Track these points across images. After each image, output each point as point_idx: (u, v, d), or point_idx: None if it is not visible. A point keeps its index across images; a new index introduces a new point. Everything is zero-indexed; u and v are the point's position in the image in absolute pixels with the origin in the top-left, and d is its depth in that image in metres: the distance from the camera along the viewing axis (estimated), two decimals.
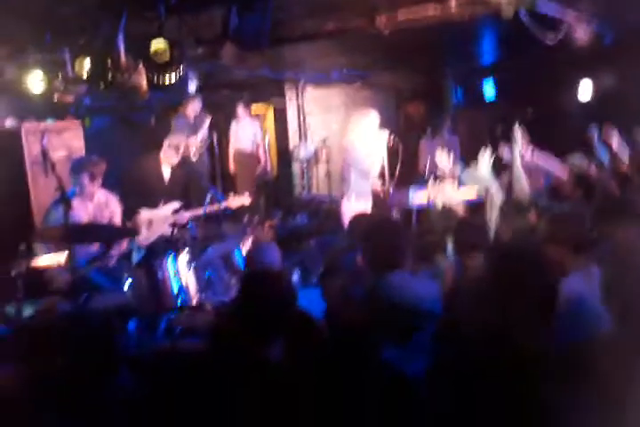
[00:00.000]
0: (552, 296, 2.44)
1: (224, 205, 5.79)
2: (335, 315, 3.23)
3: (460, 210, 5.86)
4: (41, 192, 6.10)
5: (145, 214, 5.67)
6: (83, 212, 5.08)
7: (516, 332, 2.30)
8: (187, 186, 6.27)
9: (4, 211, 6.05)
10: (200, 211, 5.69)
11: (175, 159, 6.12)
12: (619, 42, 6.63)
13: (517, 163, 4.92)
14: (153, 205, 5.77)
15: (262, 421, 2.26)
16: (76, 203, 4.80)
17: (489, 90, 9.91)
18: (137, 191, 5.80)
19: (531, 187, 6.02)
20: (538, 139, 6.66)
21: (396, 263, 3.10)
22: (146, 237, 5.48)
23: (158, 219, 5.62)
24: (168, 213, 5.74)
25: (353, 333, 2.65)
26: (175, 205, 5.82)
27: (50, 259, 4.47)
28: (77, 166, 5.13)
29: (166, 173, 6.16)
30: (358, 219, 4.55)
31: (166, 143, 6.16)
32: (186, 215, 5.75)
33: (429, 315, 2.56)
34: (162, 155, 6.12)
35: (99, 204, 5.22)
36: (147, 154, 6.32)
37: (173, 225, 5.49)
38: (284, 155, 10.35)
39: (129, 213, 5.57)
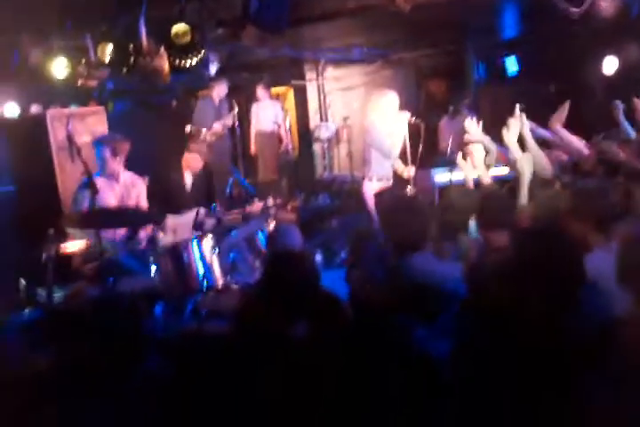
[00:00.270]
0: (577, 273, 2.44)
1: (246, 211, 5.74)
2: (359, 297, 3.25)
3: (486, 186, 5.82)
4: (67, 177, 6.17)
5: (169, 221, 5.57)
6: (110, 193, 5.13)
7: (541, 310, 2.31)
8: (210, 190, 6.24)
9: (32, 196, 6.15)
10: (224, 216, 5.66)
11: (198, 163, 6.16)
12: None
13: (530, 142, 4.86)
14: (177, 211, 5.60)
15: (288, 402, 2.30)
16: (102, 184, 4.84)
17: (512, 65, 9.76)
18: (161, 198, 5.75)
19: (552, 163, 5.94)
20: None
21: (419, 244, 3.11)
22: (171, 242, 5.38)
23: (183, 225, 5.53)
24: (192, 219, 5.51)
25: (377, 314, 2.68)
26: (200, 210, 5.61)
27: (79, 243, 4.55)
28: (100, 141, 5.22)
29: (189, 178, 6.20)
30: (380, 200, 4.55)
31: (189, 146, 6.25)
32: (210, 221, 5.62)
33: (453, 296, 2.57)
34: (185, 158, 6.15)
35: (125, 185, 5.27)
36: (170, 156, 6.36)
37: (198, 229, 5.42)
38: (306, 135, 10.34)
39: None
